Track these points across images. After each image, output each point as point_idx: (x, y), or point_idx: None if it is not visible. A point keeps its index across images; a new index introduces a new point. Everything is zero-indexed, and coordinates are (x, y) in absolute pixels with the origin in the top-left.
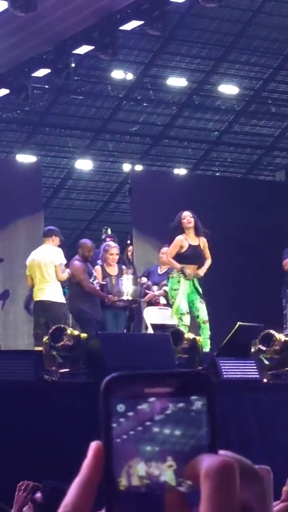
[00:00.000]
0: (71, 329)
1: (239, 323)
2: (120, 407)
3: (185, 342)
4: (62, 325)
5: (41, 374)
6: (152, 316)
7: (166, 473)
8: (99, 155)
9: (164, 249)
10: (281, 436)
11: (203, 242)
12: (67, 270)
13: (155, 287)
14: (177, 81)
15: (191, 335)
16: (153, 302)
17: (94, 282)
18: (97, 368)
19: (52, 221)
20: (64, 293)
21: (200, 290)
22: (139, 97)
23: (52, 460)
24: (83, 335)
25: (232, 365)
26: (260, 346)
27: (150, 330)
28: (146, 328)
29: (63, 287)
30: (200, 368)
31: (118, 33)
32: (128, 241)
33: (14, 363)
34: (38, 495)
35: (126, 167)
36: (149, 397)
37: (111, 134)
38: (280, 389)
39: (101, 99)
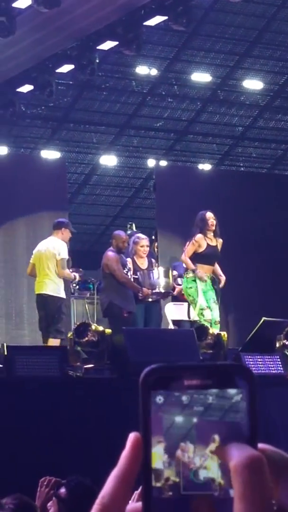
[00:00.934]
0: (96, 324)
1: (263, 318)
2: (159, 399)
3: (210, 337)
4: (86, 321)
5: (65, 370)
6: (172, 312)
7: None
8: (124, 150)
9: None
10: None
11: (220, 243)
12: (76, 274)
13: (180, 280)
14: (201, 76)
15: (215, 330)
16: (178, 296)
17: (129, 274)
18: (122, 363)
19: (77, 217)
20: (89, 288)
21: (216, 290)
22: (163, 93)
23: (77, 456)
24: (108, 330)
25: (257, 361)
26: (284, 341)
27: (171, 326)
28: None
29: (88, 283)
30: None
31: (142, 28)
32: (153, 237)
33: (39, 359)
34: (62, 490)
35: (151, 162)
36: (189, 389)
37: (135, 130)
38: None
39: (125, 94)
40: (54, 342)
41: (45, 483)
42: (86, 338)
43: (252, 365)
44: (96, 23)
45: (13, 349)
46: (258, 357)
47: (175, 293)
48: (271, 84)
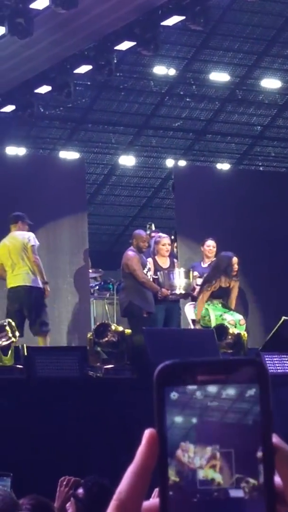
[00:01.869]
0: (115, 325)
1: (283, 317)
2: (174, 395)
3: (230, 337)
4: (106, 321)
5: (85, 370)
6: (192, 312)
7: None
8: (142, 151)
9: (210, 242)
10: None
11: (236, 285)
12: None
13: (199, 280)
14: (219, 76)
15: (235, 330)
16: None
17: (148, 274)
18: (142, 364)
19: (96, 217)
20: (108, 289)
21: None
22: (181, 93)
23: (97, 456)
24: (127, 331)
25: (277, 360)
26: None
27: (192, 326)
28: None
29: (107, 283)
30: None
31: (159, 28)
32: (172, 237)
33: (59, 360)
34: (80, 490)
35: (169, 162)
36: (202, 384)
37: (154, 130)
38: None
39: (143, 95)
40: (44, 341)
41: (64, 483)
42: (106, 339)
43: (272, 365)
44: (113, 23)
45: (33, 350)
46: (279, 356)
47: (195, 293)
48: None
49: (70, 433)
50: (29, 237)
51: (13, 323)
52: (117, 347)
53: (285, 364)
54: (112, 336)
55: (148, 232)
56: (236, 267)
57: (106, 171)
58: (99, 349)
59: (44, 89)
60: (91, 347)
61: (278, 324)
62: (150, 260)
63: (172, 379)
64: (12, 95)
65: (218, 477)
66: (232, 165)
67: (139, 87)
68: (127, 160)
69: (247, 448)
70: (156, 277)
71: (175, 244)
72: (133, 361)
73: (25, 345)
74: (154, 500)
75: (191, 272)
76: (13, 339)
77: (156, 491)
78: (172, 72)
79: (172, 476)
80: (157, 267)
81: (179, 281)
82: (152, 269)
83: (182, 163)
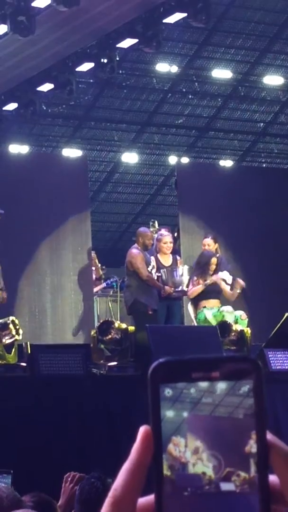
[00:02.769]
0: (119, 322)
1: (287, 314)
2: (168, 392)
3: (233, 334)
4: (109, 319)
5: (89, 368)
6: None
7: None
8: (145, 148)
9: (206, 240)
10: None
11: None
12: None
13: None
14: (222, 73)
15: (238, 327)
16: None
17: (152, 272)
18: (145, 361)
19: (99, 215)
20: (112, 286)
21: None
22: (184, 90)
23: (102, 452)
24: (131, 328)
25: (281, 356)
26: None
27: (195, 324)
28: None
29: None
30: None
31: (161, 25)
32: (176, 234)
33: (63, 357)
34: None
35: (172, 159)
36: (196, 381)
37: (156, 127)
38: None
39: (146, 92)
40: None
41: (69, 479)
42: (110, 336)
43: (276, 361)
44: (115, 21)
45: (36, 347)
46: (282, 352)
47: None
48: None
49: (73, 430)
50: None
51: (16, 321)
52: (120, 345)
53: None
54: (115, 334)
55: (151, 229)
56: (213, 267)
57: (109, 169)
58: (102, 346)
59: (46, 87)
60: (95, 345)
61: (282, 321)
62: (153, 258)
63: (167, 377)
64: (15, 93)
65: (208, 471)
66: (235, 162)
67: (142, 84)
68: (130, 158)
69: (238, 442)
70: (160, 274)
71: (178, 242)
72: (137, 358)
73: (28, 343)
74: (149, 497)
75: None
76: (16, 337)
77: None
78: (174, 69)
79: (164, 470)
80: (159, 265)
81: (183, 278)
82: (155, 267)
83: (185, 160)
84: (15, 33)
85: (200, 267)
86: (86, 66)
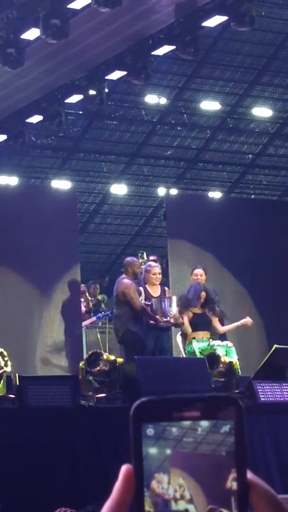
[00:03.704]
0: (107, 354)
1: (275, 345)
2: (150, 431)
3: (221, 365)
4: (98, 350)
5: (77, 400)
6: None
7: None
8: (134, 179)
9: (198, 270)
10: None
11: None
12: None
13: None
14: (210, 105)
15: (227, 359)
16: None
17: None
18: (134, 392)
19: (88, 246)
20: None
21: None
22: (173, 121)
23: (91, 485)
24: (119, 359)
25: (269, 388)
26: None
27: (184, 355)
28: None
29: (100, 312)
30: (237, 391)
31: (150, 58)
32: (164, 265)
33: (51, 389)
34: None
35: (161, 191)
36: (178, 420)
37: (145, 159)
38: None
39: (135, 123)
40: None
41: None
42: (98, 368)
43: (264, 393)
44: (104, 53)
45: (25, 379)
46: (270, 384)
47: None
48: (280, 111)
49: (62, 462)
50: None
51: (5, 353)
52: (109, 376)
53: (276, 393)
54: (104, 365)
55: (140, 260)
56: (201, 300)
57: (98, 200)
58: (91, 378)
59: (35, 118)
60: (83, 376)
61: (270, 353)
62: (141, 288)
63: (148, 416)
64: (4, 125)
65: (191, 508)
66: (224, 193)
67: (131, 116)
68: (119, 189)
69: (220, 480)
70: (150, 303)
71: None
72: (125, 390)
73: (17, 375)
74: None
75: None
76: (4, 368)
77: None
78: (163, 101)
79: (147, 507)
80: (148, 295)
81: (172, 309)
82: (143, 297)
83: (173, 191)
84: (4, 65)
85: (189, 299)
86: (75, 98)
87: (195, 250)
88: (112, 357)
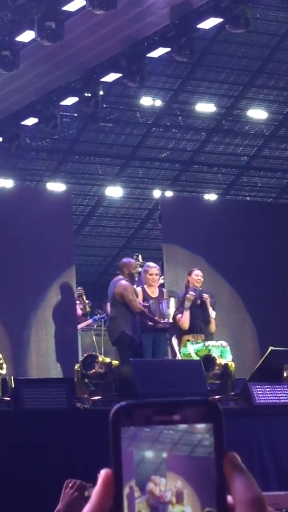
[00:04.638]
0: (103, 356)
1: (271, 347)
2: (130, 435)
3: (217, 367)
4: (93, 353)
5: (73, 402)
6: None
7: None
8: (129, 182)
9: (199, 271)
10: None
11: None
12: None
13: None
14: (205, 107)
15: (223, 361)
16: None
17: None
18: (129, 395)
19: (83, 248)
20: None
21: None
22: (168, 124)
23: None
24: (115, 362)
25: (265, 390)
26: None
27: (179, 357)
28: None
29: (95, 315)
30: (232, 393)
31: (145, 60)
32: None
33: (46, 392)
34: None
35: (156, 193)
36: (158, 424)
37: (140, 161)
38: None
39: (130, 126)
40: None
41: (70, 485)
42: (93, 370)
43: (260, 395)
44: (99, 55)
45: (20, 382)
46: (266, 386)
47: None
48: (275, 113)
49: (57, 464)
50: None
51: (0, 355)
52: (104, 379)
53: (272, 395)
54: (99, 368)
55: (136, 263)
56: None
57: (93, 202)
58: (86, 380)
59: (30, 121)
60: (79, 379)
61: (265, 354)
62: (138, 289)
63: (128, 420)
64: None
65: (188, 511)
66: (219, 195)
67: (126, 118)
68: (114, 191)
69: (212, 483)
70: (148, 305)
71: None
72: (121, 392)
73: (12, 377)
74: None
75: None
76: (0, 371)
77: None
78: (158, 103)
79: (143, 510)
80: (146, 296)
81: (170, 310)
82: (141, 298)
83: (169, 193)
84: None
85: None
86: (70, 100)
87: (190, 252)
88: (108, 360)
